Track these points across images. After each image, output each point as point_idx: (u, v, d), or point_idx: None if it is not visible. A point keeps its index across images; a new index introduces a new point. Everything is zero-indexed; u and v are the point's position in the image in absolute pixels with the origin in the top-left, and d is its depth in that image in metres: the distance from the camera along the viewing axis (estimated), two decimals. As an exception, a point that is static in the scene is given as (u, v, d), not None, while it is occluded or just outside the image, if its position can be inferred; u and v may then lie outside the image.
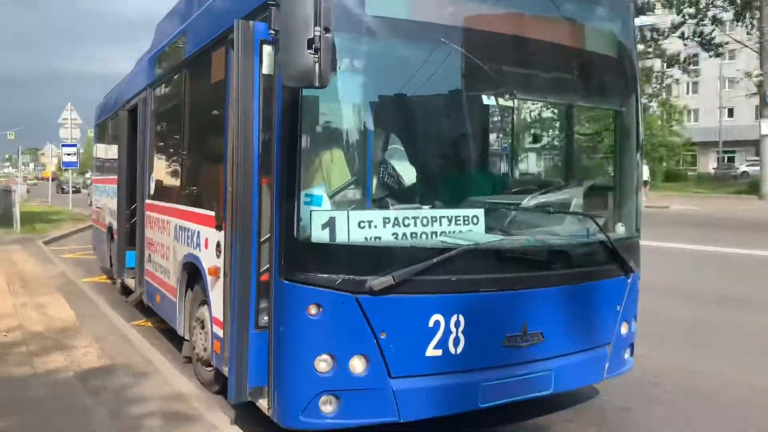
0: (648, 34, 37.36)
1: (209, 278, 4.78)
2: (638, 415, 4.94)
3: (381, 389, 3.67)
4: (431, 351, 3.74)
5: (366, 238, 3.73)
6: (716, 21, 36.12)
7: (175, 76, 6.29)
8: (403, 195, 4.23)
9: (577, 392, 5.17)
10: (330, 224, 3.65)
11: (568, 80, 4.67)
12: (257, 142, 3.83)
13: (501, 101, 4.58)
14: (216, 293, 4.62)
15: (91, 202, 16.45)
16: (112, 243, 9.38)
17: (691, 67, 38.35)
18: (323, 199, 3.75)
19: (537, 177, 5.61)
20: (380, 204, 4.08)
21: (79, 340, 6.35)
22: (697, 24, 36.42)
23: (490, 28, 4.03)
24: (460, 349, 3.82)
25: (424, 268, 3.64)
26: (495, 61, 4.16)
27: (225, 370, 4.27)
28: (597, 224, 4.40)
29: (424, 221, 3.94)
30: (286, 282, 3.62)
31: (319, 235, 3.62)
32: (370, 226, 3.77)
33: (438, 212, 4.04)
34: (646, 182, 28.00)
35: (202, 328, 5.17)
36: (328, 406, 3.63)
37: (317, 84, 3.10)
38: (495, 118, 4.92)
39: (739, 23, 36.48)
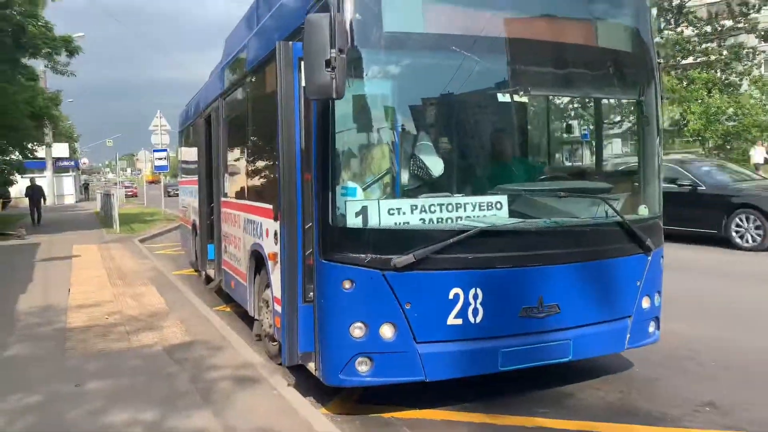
0: (737, 9, 35.66)
1: (270, 263, 5.50)
2: (666, 383, 5.25)
3: (408, 352, 4.24)
4: (452, 320, 4.28)
5: (396, 224, 4.30)
6: (810, -9, 33.95)
7: (240, 87, 7.09)
8: (431, 185, 4.75)
9: (609, 363, 5.58)
10: (363, 212, 4.25)
11: (584, 75, 5.07)
12: (299, 144, 4.48)
13: (519, 98, 5.00)
14: (276, 275, 5.31)
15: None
16: (196, 238, 10.38)
17: (784, 41, 36.17)
18: (357, 191, 4.35)
19: (560, 165, 5.99)
20: (409, 193, 4.62)
21: (167, 321, 7.29)
22: (789, -4, 34.40)
23: (500, 33, 4.50)
24: (479, 319, 4.33)
25: (441, 247, 4.18)
26: (508, 62, 4.63)
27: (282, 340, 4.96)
28: (612, 207, 4.77)
29: (449, 207, 4.47)
30: (325, 262, 4.26)
31: (353, 221, 4.23)
32: (399, 213, 4.34)
33: (462, 199, 4.56)
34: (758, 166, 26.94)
35: (267, 307, 5.90)
36: (363, 366, 4.25)
37: (334, 96, 3.74)
38: (516, 113, 5.35)
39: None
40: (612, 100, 5.58)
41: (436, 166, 4.78)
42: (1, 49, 16.90)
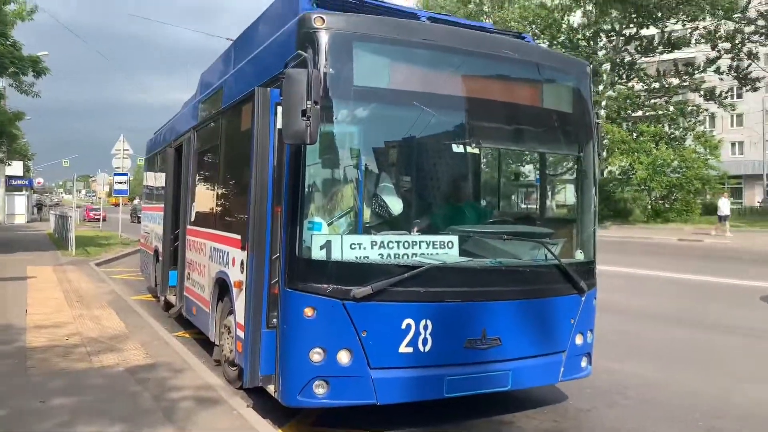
0: (682, 69, 37.86)
1: (235, 290, 5.83)
2: (595, 414, 5.76)
3: (362, 377, 4.63)
4: (404, 348, 4.69)
5: (356, 257, 4.72)
6: (752, 56, 36.33)
7: (214, 122, 7.48)
8: (390, 223, 5.21)
9: (546, 395, 6.06)
10: (326, 245, 4.66)
11: (529, 131, 5.65)
12: (271, 180, 4.89)
13: (471, 149, 5.57)
14: (240, 302, 5.63)
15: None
16: (158, 264, 10.57)
17: (728, 101, 38.45)
18: (323, 226, 4.77)
19: (507, 211, 6.55)
20: (370, 230, 5.06)
21: (127, 344, 7.48)
22: (732, 59, 36.72)
23: (455, 92, 5.06)
24: (427, 348, 4.75)
25: (397, 281, 4.62)
26: (462, 117, 5.19)
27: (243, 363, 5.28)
28: (550, 251, 5.31)
29: (406, 244, 4.93)
30: (289, 290, 4.64)
31: (318, 253, 4.64)
32: (360, 248, 4.77)
33: (418, 237, 5.03)
34: (725, 217, 27.56)
35: (229, 333, 6.19)
36: (320, 389, 4.61)
37: (308, 142, 4.22)
38: (468, 163, 5.91)
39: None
40: (554, 155, 6.16)
41: (395, 206, 5.26)
42: (-34, 67, 16.88)
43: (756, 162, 54.41)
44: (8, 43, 17.76)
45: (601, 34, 39.04)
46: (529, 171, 6.56)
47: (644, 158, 34.77)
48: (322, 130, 4.46)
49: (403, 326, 4.69)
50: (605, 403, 6.03)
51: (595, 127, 5.79)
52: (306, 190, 4.66)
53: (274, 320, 4.85)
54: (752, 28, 35.38)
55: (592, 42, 39.58)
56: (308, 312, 4.56)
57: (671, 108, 37.96)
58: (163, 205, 9.99)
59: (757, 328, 9.30)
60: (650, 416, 5.65)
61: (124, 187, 25.49)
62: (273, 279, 4.91)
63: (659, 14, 35.89)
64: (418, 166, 5.53)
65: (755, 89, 38.64)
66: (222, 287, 6.47)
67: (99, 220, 32.05)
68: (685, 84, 37.79)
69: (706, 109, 39.23)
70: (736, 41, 35.85)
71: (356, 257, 4.71)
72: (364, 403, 4.70)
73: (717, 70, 36.66)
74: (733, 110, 41.93)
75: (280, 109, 4.72)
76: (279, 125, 4.80)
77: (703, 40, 37.00)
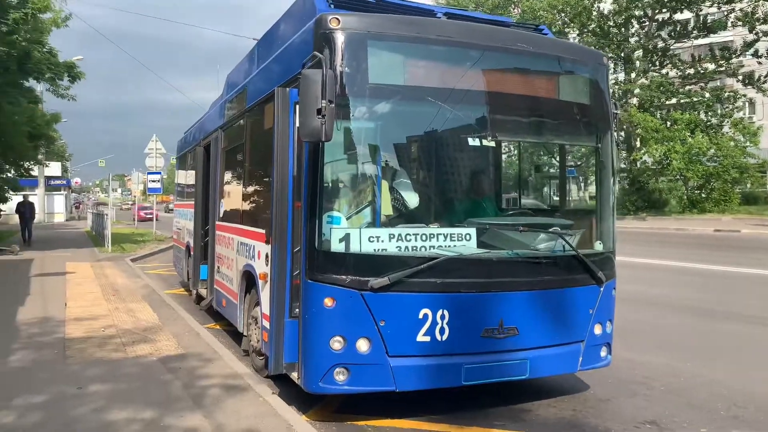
0: (719, 53, 36.95)
1: (260, 282, 6.03)
2: (615, 404, 5.80)
3: (381, 365, 4.78)
4: (421, 337, 4.83)
5: (374, 250, 4.86)
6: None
7: (239, 121, 7.70)
8: (407, 216, 5.35)
9: (567, 385, 6.14)
10: (346, 238, 4.81)
11: (547, 124, 5.72)
12: (292, 176, 5.07)
13: (488, 142, 5.66)
14: (265, 294, 5.83)
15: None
16: (189, 259, 10.89)
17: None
18: (341, 219, 4.92)
19: (525, 203, 6.59)
20: (388, 223, 5.19)
21: (160, 335, 7.78)
22: (771, 40, 35.71)
23: (470, 86, 5.12)
24: (445, 337, 4.88)
25: (414, 272, 4.75)
26: (477, 111, 5.27)
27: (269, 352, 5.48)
28: (567, 242, 5.37)
29: (423, 237, 5.05)
30: (310, 281, 4.81)
31: (337, 246, 4.79)
32: (378, 240, 4.90)
33: (435, 230, 5.15)
34: None
35: (256, 323, 6.41)
36: (341, 376, 4.77)
37: (324, 139, 4.39)
38: (485, 156, 6.00)
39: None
40: (573, 146, 6.20)
41: (412, 199, 5.39)
42: (6, 74, 17.47)
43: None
44: (45, 50, 18.33)
45: (633, 20, 38.30)
46: (547, 163, 6.61)
47: (679, 147, 34.07)
48: (339, 127, 4.61)
49: (421, 316, 4.82)
50: (626, 392, 6.07)
51: (613, 118, 5.81)
52: (324, 185, 4.82)
53: (297, 310, 5.03)
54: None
55: (623, 29, 38.88)
56: (328, 302, 4.72)
57: (707, 94, 37.07)
58: (193, 202, 10.29)
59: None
60: (671, 405, 5.67)
61: (158, 185, 26.04)
62: (295, 271, 5.09)
63: (693, -3, 35.11)
64: (434, 160, 5.64)
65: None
66: (249, 280, 6.69)
67: (152, 220, 29.67)
68: (721, 69, 36.85)
69: (744, 95, 38.24)
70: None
71: (374, 249, 4.85)
72: (384, 389, 4.85)
73: (755, 54, 35.69)
74: (774, 95, 40.61)
75: (299, 108, 4.89)
76: (298, 124, 4.96)
77: (740, 23, 36.06)
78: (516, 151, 6.42)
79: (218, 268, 8.43)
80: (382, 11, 5.47)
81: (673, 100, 37.82)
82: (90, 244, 23.46)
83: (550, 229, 5.51)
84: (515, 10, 42.51)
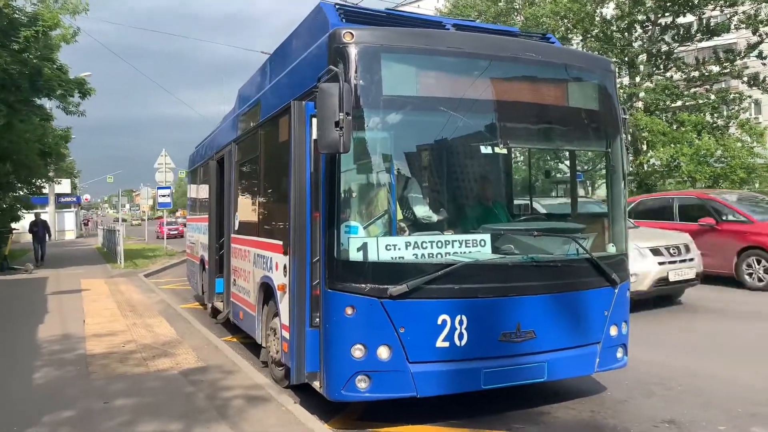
0: (723, 56, 37.02)
1: (279, 293, 6.12)
2: (632, 404, 5.84)
3: (402, 371, 4.86)
4: (440, 343, 4.91)
5: (392, 258, 4.96)
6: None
7: (253, 135, 7.83)
8: (423, 224, 5.44)
9: (584, 387, 6.19)
10: (363, 247, 4.91)
11: (557, 130, 5.80)
12: (309, 187, 5.18)
13: (500, 149, 5.75)
14: (284, 305, 5.93)
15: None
16: (204, 272, 11.00)
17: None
18: (359, 229, 5.02)
19: (538, 208, 6.69)
20: (405, 231, 5.29)
21: (179, 349, 7.88)
22: (775, 42, 35.80)
23: (481, 95, 5.23)
24: (463, 342, 4.96)
25: (431, 278, 4.84)
26: (488, 119, 5.37)
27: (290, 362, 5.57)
28: (581, 245, 5.45)
29: (439, 244, 5.14)
30: (330, 291, 4.90)
31: (355, 255, 4.89)
32: (395, 249, 5.00)
33: (450, 237, 5.24)
34: None
35: (275, 334, 6.50)
36: (362, 383, 4.85)
37: (342, 151, 4.50)
38: (498, 163, 6.10)
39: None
40: (583, 152, 6.30)
41: (428, 207, 5.49)
42: (18, 92, 17.74)
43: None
44: (55, 67, 18.60)
45: (636, 25, 38.38)
46: (559, 168, 6.70)
47: (687, 149, 34.04)
48: (355, 138, 4.72)
49: (439, 322, 4.90)
50: (643, 393, 6.12)
51: (622, 123, 5.90)
52: (342, 195, 4.92)
53: (317, 320, 5.12)
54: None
55: (626, 33, 38.93)
56: (348, 311, 4.81)
57: (712, 96, 37.09)
58: (207, 216, 10.41)
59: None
60: (688, 405, 5.72)
61: (168, 200, 26.28)
62: (314, 281, 5.18)
63: (696, 1, 35.20)
64: (448, 168, 5.74)
65: (800, 73, 37.60)
66: (266, 291, 6.79)
67: (177, 237, 28.33)
68: (726, 71, 36.90)
69: (750, 96, 38.25)
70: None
71: (392, 257, 4.95)
72: (405, 395, 4.93)
73: (759, 55, 35.74)
74: (779, 96, 40.57)
75: (315, 120, 5.00)
76: (314, 136, 5.08)
77: (743, 25, 36.15)
78: (527, 158, 6.52)
79: (234, 280, 8.54)
80: (392, 24, 5.60)
81: (679, 103, 37.83)
82: (102, 261, 23.66)
83: (564, 234, 5.59)
84: (518, 17, 42.71)
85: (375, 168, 5.09)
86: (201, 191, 12.09)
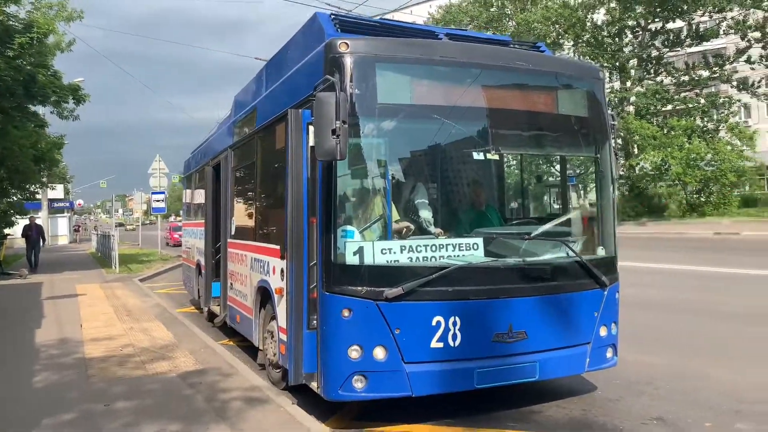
0: (712, 60, 37.46)
1: (276, 297, 6.24)
2: (623, 403, 5.99)
3: (398, 371, 4.99)
4: (435, 343, 5.04)
5: (387, 261, 5.09)
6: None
7: (249, 141, 7.95)
8: (418, 229, 5.58)
9: (575, 386, 6.34)
10: (359, 251, 5.05)
11: (547, 136, 5.98)
12: (306, 193, 5.31)
13: (492, 156, 5.90)
14: (281, 308, 6.04)
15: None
16: (200, 277, 11.10)
17: (762, 89, 37.83)
18: (355, 233, 5.15)
19: (530, 212, 6.85)
20: (400, 235, 5.41)
21: (177, 352, 7.98)
22: (763, 47, 36.24)
23: (473, 103, 5.40)
24: (457, 343, 5.09)
25: (426, 281, 4.98)
26: (481, 126, 5.53)
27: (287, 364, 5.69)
28: (570, 248, 5.61)
29: (433, 248, 5.29)
30: (327, 294, 5.03)
31: (352, 259, 5.02)
32: (390, 252, 5.14)
33: (444, 240, 5.39)
34: None
35: (272, 337, 6.61)
36: (359, 383, 4.98)
37: (338, 158, 4.64)
38: (490, 168, 6.26)
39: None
40: (572, 157, 6.45)
41: (422, 212, 5.62)
42: (12, 98, 17.78)
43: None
44: (49, 73, 18.64)
45: (626, 30, 38.85)
46: (549, 174, 6.85)
47: (677, 153, 34.42)
48: (351, 145, 4.86)
49: (434, 323, 5.04)
50: (633, 392, 6.27)
51: (610, 129, 6.07)
52: (338, 201, 5.05)
53: (314, 322, 5.25)
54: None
55: (617, 39, 39.39)
56: (345, 313, 4.94)
57: (702, 100, 37.53)
58: (203, 221, 10.52)
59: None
60: (676, 403, 5.87)
61: (162, 205, 26.36)
62: (311, 284, 5.31)
63: (685, 7, 35.63)
64: (441, 174, 5.89)
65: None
66: (264, 295, 6.90)
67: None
68: (715, 76, 37.37)
69: (739, 100, 38.71)
70: (767, 29, 35.37)
71: (387, 261, 5.08)
72: (401, 395, 5.06)
73: (748, 60, 36.22)
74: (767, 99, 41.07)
75: (311, 128, 5.13)
76: (311, 143, 5.20)
77: (731, 31, 36.63)
78: (519, 163, 6.67)
79: (231, 284, 8.65)
80: (387, 33, 5.75)
81: (669, 107, 38.26)
82: (96, 266, 23.67)
83: (555, 237, 5.74)
84: (510, 23, 43.06)
85: (370, 174, 5.23)
86: (197, 196, 12.19)
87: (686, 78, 37.92)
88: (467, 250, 5.36)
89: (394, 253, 5.14)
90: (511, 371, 5.31)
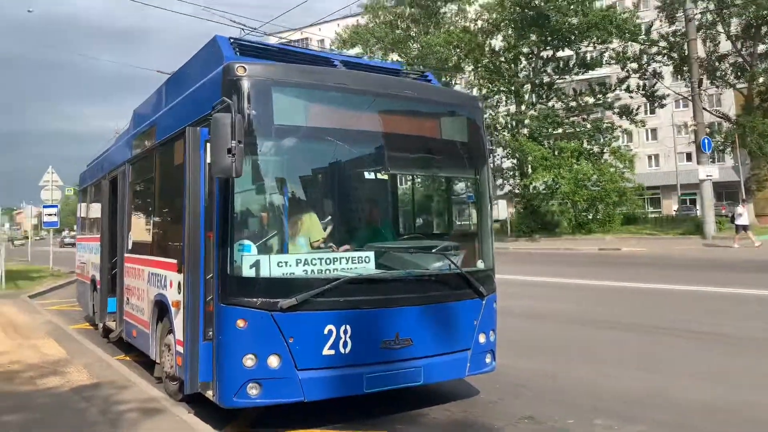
0: (596, 88, 40.44)
1: (173, 310, 6.37)
2: (501, 404, 6.54)
3: (291, 378, 5.28)
4: (326, 351, 5.38)
5: (283, 274, 5.39)
6: (657, 75, 39.33)
7: (148, 156, 8.02)
8: (312, 243, 5.91)
9: (459, 390, 6.84)
10: (255, 264, 5.32)
11: (431, 158, 6.51)
12: (203, 208, 5.54)
13: (381, 175, 6.39)
14: (178, 320, 6.18)
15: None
16: (95, 292, 10.86)
17: (639, 117, 41.12)
18: (252, 247, 5.42)
19: (417, 228, 7.37)
20: (295, 249, 5.73)
21: (70, 368, 7.85)
22: (640, 78, 39.56)
23: (363, 127, 5.86)
24: (348, 350, 5.45)
25: (318, 292, 5.32)
26: (370, 148, 6.00)
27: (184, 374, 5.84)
28: (452, 261, 6.14)
29: (327, 261, 5.64)
30: (223, 305, 5.26)
31: (248, 272, 5.28)
32: (286, 265, 5.44)
33: (338, 254, 5.75)
34: (745, 227, 25.17)
35: (169, 350, 6.70)
36: (253, 390, 5.22)
37: (234, 176, 4.93)
38: (379, 187, 6.74)
39: (679, 76, 39.69)
40: (453, 178, 7.03)
41: (316, 227, 5.97)
42: None
43: (670, 173, 58.53)
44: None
45: (521, 57, 41.11)
46: (434, 193, 7.41)
47: (566, 173, 36.73)
48: (248, 163, 5.15)
49: (326, 332, 5.38)
50: (511, 394, 6.84)
51: (488, 152, 6.69)
52: (235, 216, 5.31)
53: (210, 333, 5.45)
54: (655, 49, 38.31)
55: (513, 65, 41.58)
56: (240, 323, 5.19)
57: (588, 125, 40.30)
58: (99, 236, 10.35)
59: (646, 325, 10.43)
60: (545, 403, 6.50)
61: (54, 219, 25.17)
62: (208, 297, 5.52)
63: (572, 37, 38.25)
64: (335, 192, 6.28)
65: (662, 106, 41.86)
66: (161, 308, 6.98)
67: None
68: (599, 102, 40.28)
69: (620, 126, 41.86)
70: (642, 61, 38.67)
71: (283, 273, 5.38)
72: (294, 400, 5.34)
73: (627, 89, 39.39)
74: (644, 126, 44.70)
75: (209, 146, 5.37)
76: (209, 160, 5.44)
77: (613, 61, 39.74)
78: (409, 183, 7.17)
79: (128, 299, 8.60)
80: (284, 59, 6.09)
81: (560, 130, 40.76)
82: (-22, 283, 22.20)
83: (437, 251, 6.25)
84: (414, 45, 44.44)
85: (267, 191, 5.53)
86: (92, 210, 11.93)
87: (574, 104, 40.60)
88: (359, 263, 5.75)
89: (290, 266, 5.45)
90: (398, 376, 5.72)
